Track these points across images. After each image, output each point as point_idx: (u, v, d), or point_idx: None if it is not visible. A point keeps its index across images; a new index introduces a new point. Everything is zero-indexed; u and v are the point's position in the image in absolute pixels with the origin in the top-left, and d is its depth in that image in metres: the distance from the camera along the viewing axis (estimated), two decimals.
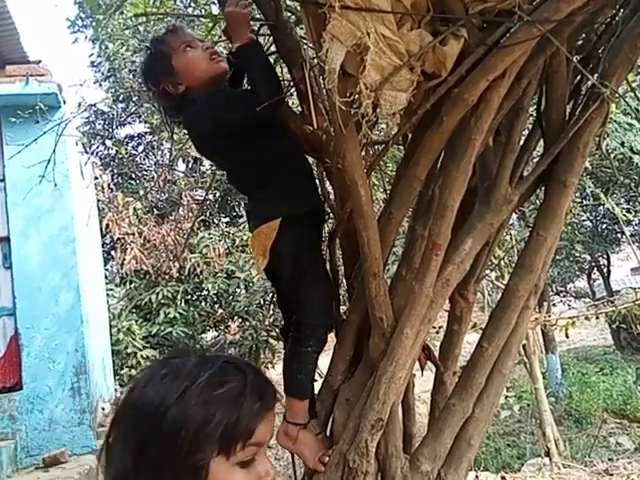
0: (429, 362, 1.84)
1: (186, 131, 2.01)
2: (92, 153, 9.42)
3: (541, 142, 1.80)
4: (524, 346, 5.83)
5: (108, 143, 10.02)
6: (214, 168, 8.33)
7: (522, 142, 1.78)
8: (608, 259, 11.42)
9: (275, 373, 8.18)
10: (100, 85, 9.98)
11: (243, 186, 2.01)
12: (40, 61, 5.54)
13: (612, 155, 5.13)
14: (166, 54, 1.86)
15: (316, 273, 1.84)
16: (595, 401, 8.40)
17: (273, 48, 2.01)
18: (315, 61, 1.64)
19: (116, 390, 6.74)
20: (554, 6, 1.36)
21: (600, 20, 1.71)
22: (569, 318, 6.13)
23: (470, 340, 2.26)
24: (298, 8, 1.84)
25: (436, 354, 1.86)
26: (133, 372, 7.57)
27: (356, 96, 1.42)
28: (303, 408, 1.78)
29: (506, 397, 5.98)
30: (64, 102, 5.36)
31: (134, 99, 9.50)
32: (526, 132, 1.85)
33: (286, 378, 1.82)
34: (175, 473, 0.80)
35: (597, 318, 6.61)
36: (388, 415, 1.60)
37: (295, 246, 1.81)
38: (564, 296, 12.08)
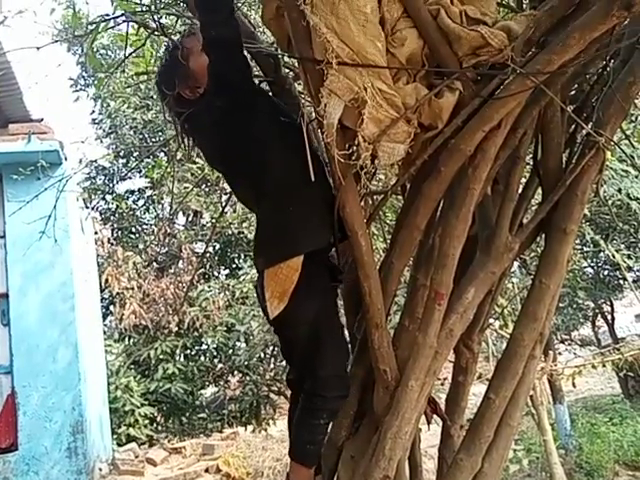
0: (435, 415, 1.80)
1: (203, 135, 1.81)
2: (92, 208, 9.48)
3: (539, 190, 1.81)
4: (531, 397, 5.71)
5: (108, 198, 10.11)
6: (213, 219, 8.42)
7: (520, 190, 1.79)
8: (612, 306, 11.33)
9: (276, 430, 7.96)
10: (101, 142, 10.19)
11: (261, 195, 1.70)
12: (42, 119, 5.64)
13: (610, 202, 5.18)
14: (183, 57, 1.68)
15: (336, 337, 1.70)
16: (606, 452, 8.17)
17: None
18: (313, 115, 1.67)
19: (114, 450, 6.53)
20: (546, 58, 1.40)
21: (592, 71, 1.75)
22: (575, 367, 6.03)
23: (476, 392, 2.21)
24: (296, 64, 1.88)
25: (442, 407, 1.82)
26: (131, 430, 7.36)
27: (354, 148, 1.43)
28: (310, 475, 1.71)
29: (514, 450, 5.81)
30: (65, 159, 5.43)
31: (135, 155, 9.65)
32: (524, 180, 1.86)
33: (295, 445, 1.74)
34: None
35: (604, 366, 6.51)
36: (395, 472, 1.55)
37: (319, 300, 1.65)
38: (569, 344, 11.93)
